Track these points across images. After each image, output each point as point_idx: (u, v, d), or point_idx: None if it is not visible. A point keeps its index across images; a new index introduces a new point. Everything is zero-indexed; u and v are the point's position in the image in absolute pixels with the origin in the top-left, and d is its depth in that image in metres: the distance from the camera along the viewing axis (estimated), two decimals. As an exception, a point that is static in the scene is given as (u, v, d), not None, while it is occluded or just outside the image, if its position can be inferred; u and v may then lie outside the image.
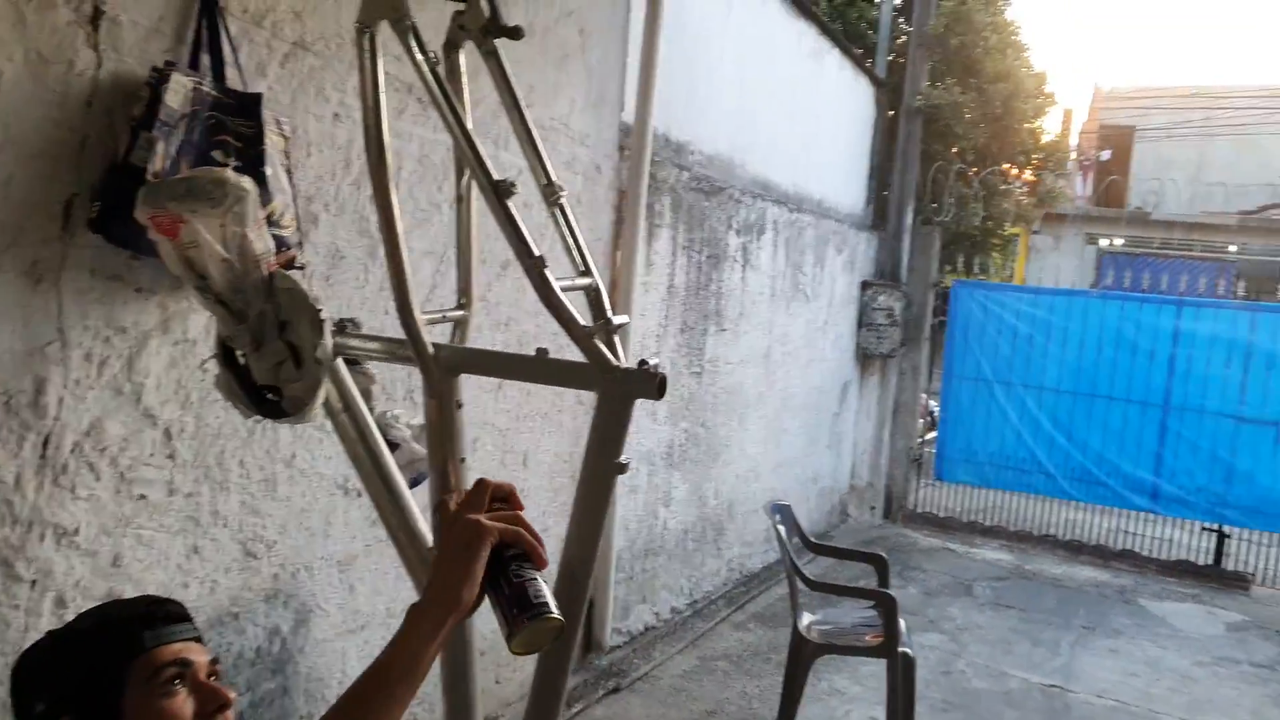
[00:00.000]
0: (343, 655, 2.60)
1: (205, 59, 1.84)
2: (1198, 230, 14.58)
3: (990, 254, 9.22)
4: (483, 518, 0.92)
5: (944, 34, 7.20)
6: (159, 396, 1.95)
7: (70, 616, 1.85)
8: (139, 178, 1.60)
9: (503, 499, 0.96)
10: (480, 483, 0.96)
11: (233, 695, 1.03)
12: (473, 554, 0.90)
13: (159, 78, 1.67)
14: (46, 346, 1.73)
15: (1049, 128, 9.70)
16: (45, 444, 1.75)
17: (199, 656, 1.03)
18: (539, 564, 0.95)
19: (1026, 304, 6.76)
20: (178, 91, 1.66)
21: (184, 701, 0.99)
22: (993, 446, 6.85)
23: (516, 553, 0.93)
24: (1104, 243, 15.33)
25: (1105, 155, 16.13)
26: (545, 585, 0.94)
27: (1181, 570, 6.23)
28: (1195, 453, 6.29)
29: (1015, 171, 8.70)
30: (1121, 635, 4.97)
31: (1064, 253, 14.78)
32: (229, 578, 2.20)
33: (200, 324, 1.99)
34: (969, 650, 4.55)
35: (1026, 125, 8.17)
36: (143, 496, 1.96)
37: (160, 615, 1.03)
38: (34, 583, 1.77)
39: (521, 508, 0.98)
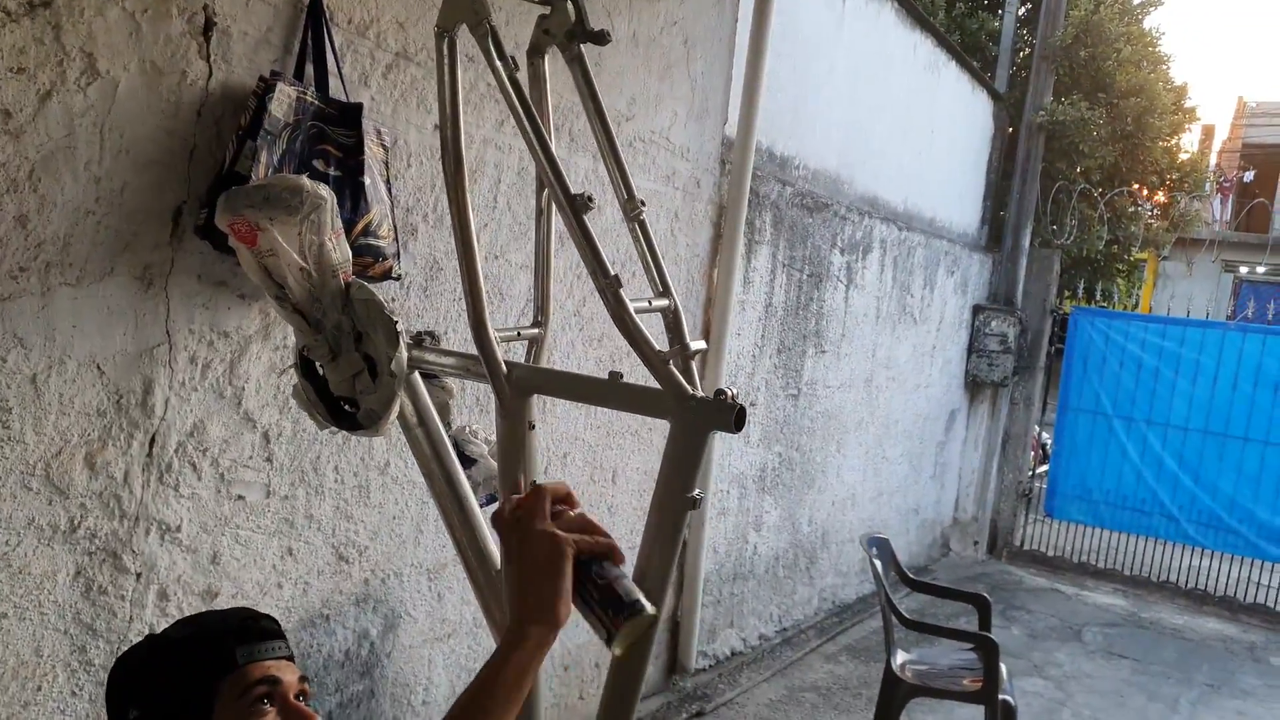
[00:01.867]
0: (429, 662, 2.62)
1: (310, 69, 1.88)
2: (1353, 259, 13.39)
3: (1114, 280, 8.68)
4: (556, 530, 0.92)
5: (1072, 46, 6.82)
6: (258, 400, 2.00)
7: (172, 609, 1.92)
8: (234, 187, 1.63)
9: (562, 499, 0.95)
10: (537, 488, 0.94)
11: (319, 719, 1.02)
12: (558, 570, 0.90)
13: (265, 87, 1.71)
14: (155, 349, 1.79)
15: (1186, 146, 9.10)
16: (152, 443, 1.82)
17: (289, 675, 1.02)
18: (617, 560, 0.95)
19: (1154, 334, 6.32)
20: (282, 101, 1.70)
21: None
22: (1109, 484, 6.42)
23: (592, 555, 0.94)
24: (1244, 270, 14.29)
25: (1248, 176, 15.04)
26: (629, 580, 0.93)
27: (1323, 630, 5.70)
28: (1345, 503, 5.75)
29: (1146, 193, 8.18)
30: (1251, 696, 4.56)
31: (1197, 280, 13.85)
32: (321, 580, 2.24)
33: (297, 331, 2.03)
34: (1075, 700, 4.26)
35: (1161, 143, 7.65)
36: (241, 497, 2.01)
37: (254, 632, 1.03)
38: (139, 575, 1.84)
39: (578, 505, 0.97)
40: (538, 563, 0.90)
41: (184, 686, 0.98)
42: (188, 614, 1.93)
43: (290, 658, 1.05)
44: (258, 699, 0.98)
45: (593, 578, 0.93)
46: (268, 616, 1.06)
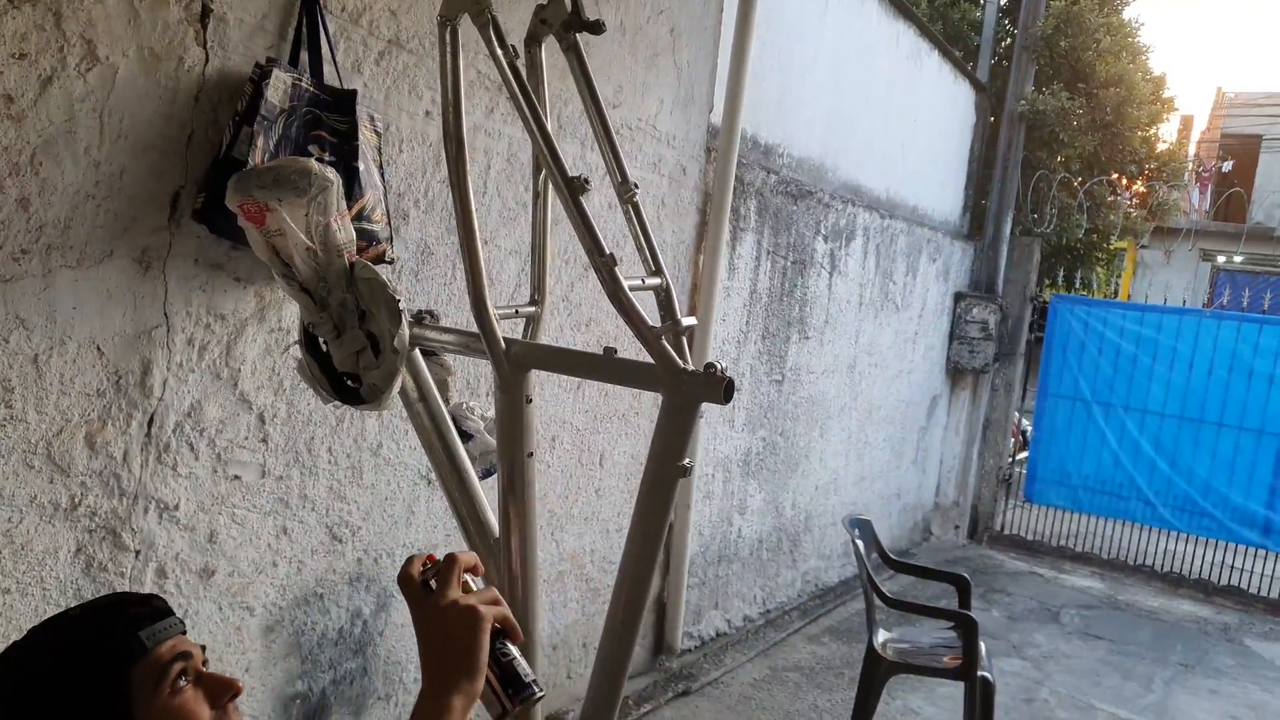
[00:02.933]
0: (418, 640, 2.66)
1: (304, 56, 1.91)
2: (1328, 249, 13.60)
3: (1094, 268, 8.79)
4: (478, 604, 0.94)
5: (1052, 36, 6.90)
6: (254, 382, 2.04)
7: (170, 587, 1.95)
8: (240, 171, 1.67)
9: (470, 569, 0.98)
10: (450, 557, 0.97)
11: (241, 684, 1.00)
12: (477, 643, 0.92)
13: (261, 73, 1.74)
14: (153, 330, 1.82)
15: (1165, 136, 9.21)
16: (150, 423, 1.85)
17: (194, 648, 0.98)
18: (516, 640, 0.98)
19: (1132, 321, 6.43)
20: (278, 87, 1.73)
21: (194, 695, 0.95)
22: (1088, 469, 6.54)
23: (497, 630, 0.96)
24: (1221, 259, 14.48)
25: (1227, 166, 15.20)
26: (524, 660, 0.97)
27: (1293, 610, 5.84)
28: (1315, 486, 5.89)
29: (1125, 182, 8.28)
30: (1223, 675, 4.68)
31: (1175, 269, 14.03)
32: (315, 559, 2.28)
33: (293, 314, 2.06)
34: (1053, 679, 4.36)
35: (1140, 133, 7.75)
36: (237, 477, 2.05)
37: (149, 613, 0.97)
38: (138, 553, 1.87)
39: (482, 572, 1.00)
40: (460, 635, 0.92)
41: (94, 687, 0.91)
42: (183, 591, 1.98)
43: (184, 630, 1.00)
44: (175, 677, 0.94)
45: (496, 654, 0.96)
46: (153, 595, 1.00)
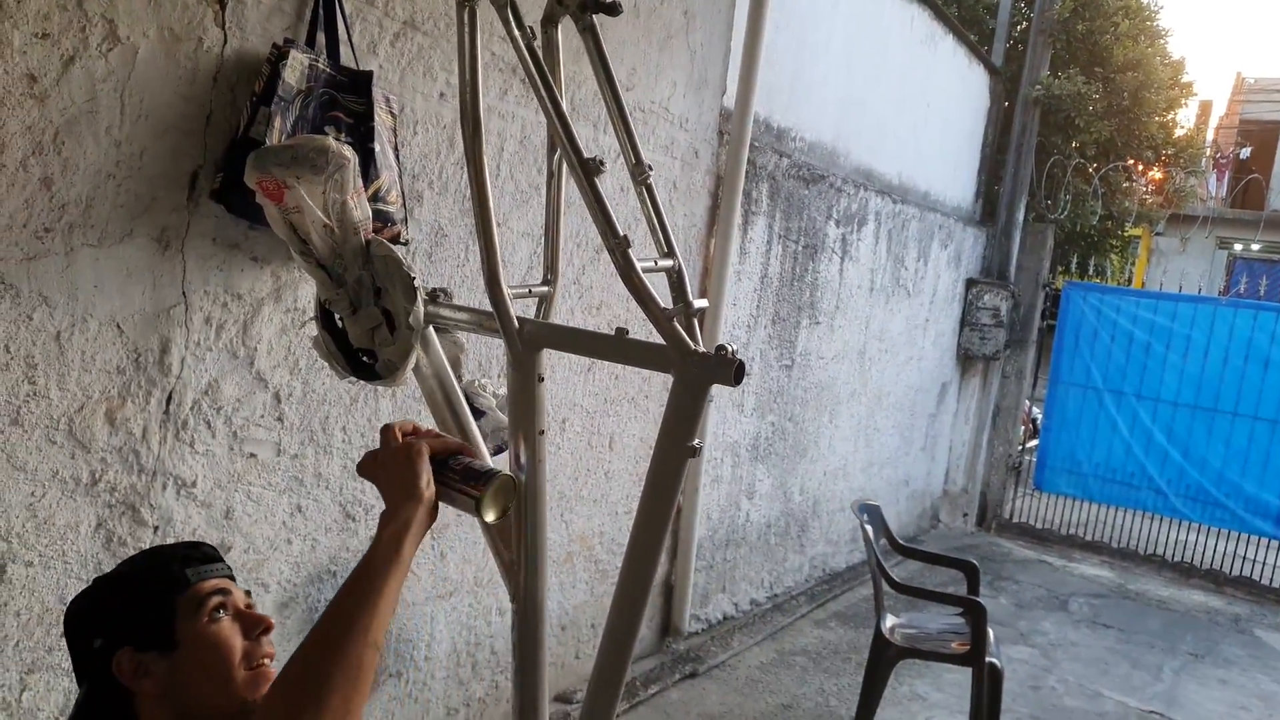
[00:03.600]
0: (431, 619, 2.70)
1: (321, 37, 1.92)
2: (1346, 238, 13.46)
3: (1108, 255, 8.73)
4: (411, 440, 1.09)
5: (1069, 19, 6.84)
6: (270, 361, 2.06)
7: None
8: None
9: (410, 431, 1.12)
10: (386, 427, 1.12)
11: (273, 621, 1.13)
12: (415, 462, 1.07)
13: (279, 54, 1.76)
14: (172, 309, 1.85)
15: (1183, 121, 9.12)
16: (169, 400, 1.88)
17: (235, 590, 1.13)
18: (470, 455, 1.11)
19: (1146, 309, 6.39)
20: (295, 68, 1.74)
21: (230, 626, 1.09)
22: (1099, 458, 6.53)
23: (445, 457, 1.09)
24: (1238, 247, 14.36)
25: (1245, 152, 15.04)
26: (485, 461, 1.09)
27: (1305, 602, 5.83)
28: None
29: (1141, 168, 8.21)
30: (1233, 666, 4.68)
31: (1191, 256, 13.92)
32: (329, 537, 2.31)
33: (309, 294, 2.08)
34: (1061, 667, 4.37)
35: (1157, 118, 7.69)
36: (253, 455, 2.07)
37: (198, 555, 1.13)
38: (157, 528, 1.90)
39: (423, 431, 1.13)
40: (397, 462, 1.07)
41: (145, 608, 1.07)
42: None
43: (232, 576, 1.15)
44: (214, 609, 1.08)
45: (451, 466, 1.08)
46: (206, 543, 1.17)
